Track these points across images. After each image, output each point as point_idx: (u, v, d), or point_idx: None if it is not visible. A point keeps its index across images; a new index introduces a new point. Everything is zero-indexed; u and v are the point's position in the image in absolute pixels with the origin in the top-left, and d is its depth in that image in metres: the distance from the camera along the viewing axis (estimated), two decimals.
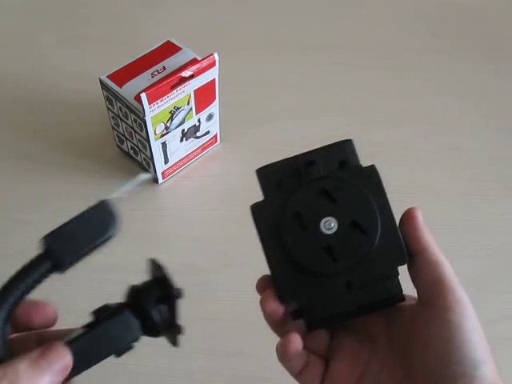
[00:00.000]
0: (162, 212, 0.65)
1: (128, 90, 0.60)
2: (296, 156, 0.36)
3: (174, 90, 0.58)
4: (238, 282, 0.53)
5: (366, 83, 0.79)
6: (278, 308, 0.34)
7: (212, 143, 0.70)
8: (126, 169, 0.68)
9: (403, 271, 0.35)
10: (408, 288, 0.35)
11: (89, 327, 0.31)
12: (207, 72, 0.60)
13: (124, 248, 0.58)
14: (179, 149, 0.65)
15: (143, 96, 0.55)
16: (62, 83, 0.78)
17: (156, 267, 0.33)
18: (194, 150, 0.68)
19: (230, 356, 0.54)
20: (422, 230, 0.34)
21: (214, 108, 0.66)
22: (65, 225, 0.30)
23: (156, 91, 0.56)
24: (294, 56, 0.83)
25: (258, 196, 0.36)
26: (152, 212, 0.65)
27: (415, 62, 0.82)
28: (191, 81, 0.59)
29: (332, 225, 0.34)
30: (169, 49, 0.64)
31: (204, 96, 0.63)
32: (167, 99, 0.58)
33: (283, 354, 0.34)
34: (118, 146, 0.70)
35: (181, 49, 0.64)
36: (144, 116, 0.58)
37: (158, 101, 0.57)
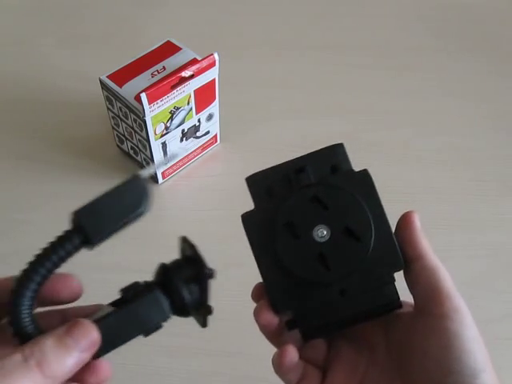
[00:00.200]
0: (162, 212, 0.65)
1: (128, 90, 0.60)
2: (286, 162, 0.35)
3: (174, 90, 0.58)
4: (238, 281, 0.53)
5: (366, 83, 0.79)
6: (272, 319, 0.34)
7: (212, 143, 0.70)
8: (125, 169, 0.68)
9: (400, 277, 0.34)
10: (405, 294, 0.34)
11: (116, 305, 0.30)
12: (207, 72, 0.60)
13: (124, 248, 0.58)
14: (179, 149, 0.65)
15: (143, 96, 0.55)
16: (61, 83, 0.78)
17: (187, 246, 0.32)
18: (194, 150, 0.68)
19: (230, 356, 0.54)
20: (418, 236, 0.33)
21: (213, 108, 0.66)
22: (96, 199, 0.28)
23: (156, 91, 0.56)
24: (294, 56, 0.83)
25: None
26: (152, 212, 0.64)
27: (415, 62, 0.82)
28: (191, 81, 0.59)
29: (324, 233, 0.33)
30: (169, 49, 0.64)
31: (204, 96, 0.63)
32: (167, 99, 0.58)
33: (279, 366, 0.34)
34: (118, 146, 0.70)
35: (181, 49, 0.64)
36: (144, 116, 0.58)
37: (158, 101, 0.57)
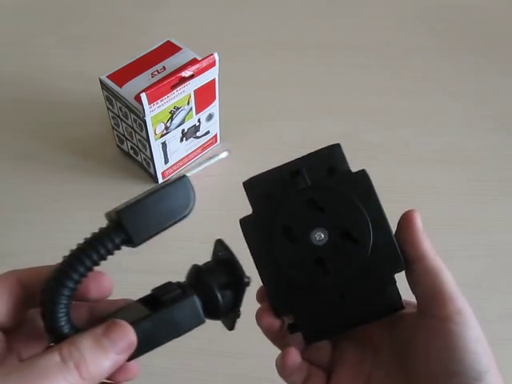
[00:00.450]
0: None
1: (128, 90, 0.60)
2: (283, 165, 0.35)
3: (174, 90, 0.58)
4: None
5: (366, 83, 0.79)
6: (273, 322, 0.34)
7: (212, 143, 0.70)
8: (125, 169, 0.68)
9: (402, 278, 0.34)
10: (408, 294, 0.34)
11: (146, 302, 0.30)
12: (207, 72, 0.60)
13: (124, 248, 0.58)
14: (179, 149, 0.65)
15: (143, 96, 0.55)
16: (61, 83, 0.78)
17: (223, 248, 0.32)
18: (194, 150, 0.68)
19: (230, 356, 0.54)
20: (419, 236, 0.33)
21: (213, 108, 0.66)
22: (141, 199, 0.28)
23: (156, 91, 0.56)
24: (294, 56, 0.83)
25: None
26: None
27: (415, 62, 0.82)
28: (191, 81, 0.59)
29: (322, 236, 0.33)
30: (169, 49, 0.64)
31: (204, 96, 0.62)
32: (167, 99, 0.58)
33: (282, 369, 0.34)
34: (118, 146, 0.70)
35: (181, 49, 0.64)
36: (144, 116, 0.57)
37: (158, 101, 0.57)
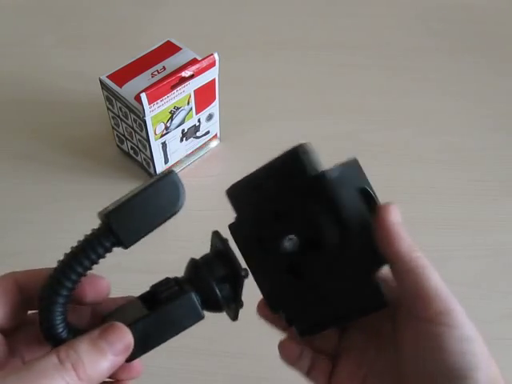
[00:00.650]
0: None
1: (128, 90, 0.60)
2: (257, 170, 0.34)
3: (174, 90, 0.58)
4: None
5: (366, 83, 0.79)
6: (271, 314, 0.35)
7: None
8: (125, 169, 0.68)
9: None
10: None
11: (146, 299, 0.30)
12: (207, 72, 0.60)
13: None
14: (179, 149, 0.65)
15: (143, 96, 0.55)
16: (61, 83, 0.78)
17: (219, 240, 0.32)
18: (194, 150, 0.68)
19: (230, 356, 0.54)
20: (394, 232, 0.30)
21: (213, 108, 0.66)
22: (128, 199, 0.27)
23: (156, 91, 0.56)
24: (294, 56, 0.83)
25: None
26: None
27: (415, 62, 0.82)
28: (191, 81, 0.59)
29: (292, 243, 0.33)
30: (169, 49, 0.64)
31: (204, 96, 0.63)
32: (167, 99, 0.58)
33: (282, 359, 0.36)
34: (117, 146, 0.70)
35: (181, 49, 0.64)
36: (144, 116, 0.57)
37: (158, 101, 0.57)
